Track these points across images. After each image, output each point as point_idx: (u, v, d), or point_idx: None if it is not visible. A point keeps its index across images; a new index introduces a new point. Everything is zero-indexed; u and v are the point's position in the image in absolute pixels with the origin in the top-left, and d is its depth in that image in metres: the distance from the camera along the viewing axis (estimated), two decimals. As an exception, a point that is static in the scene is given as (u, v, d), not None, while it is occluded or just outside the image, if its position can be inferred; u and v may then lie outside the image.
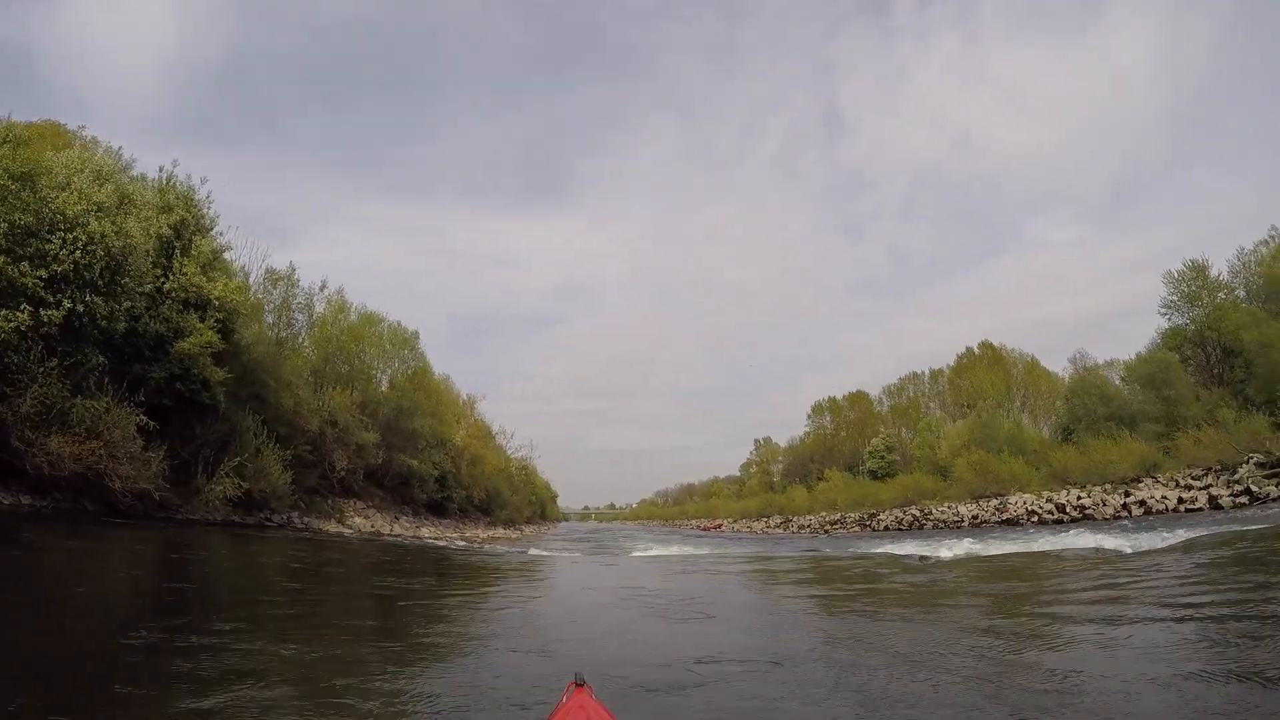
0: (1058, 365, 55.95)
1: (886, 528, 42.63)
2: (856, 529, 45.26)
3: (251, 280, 33.13)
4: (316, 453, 33.51)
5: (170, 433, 22.99)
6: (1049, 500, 34.21)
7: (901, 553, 19.98)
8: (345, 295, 40.30)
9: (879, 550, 21.47)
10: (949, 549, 18.61)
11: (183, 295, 21.41)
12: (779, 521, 64.11)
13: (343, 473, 33.98)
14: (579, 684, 2.68)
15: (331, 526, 32.19)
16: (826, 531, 48.14)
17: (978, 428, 48.81)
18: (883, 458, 62.09)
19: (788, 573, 15.95)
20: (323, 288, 37.97)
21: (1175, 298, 41.06)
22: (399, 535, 32.29)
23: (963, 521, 36.89)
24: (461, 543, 28.86)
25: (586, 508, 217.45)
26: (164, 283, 20.98)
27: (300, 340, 37.42)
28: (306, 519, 31.01)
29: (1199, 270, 40.16)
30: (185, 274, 21.52)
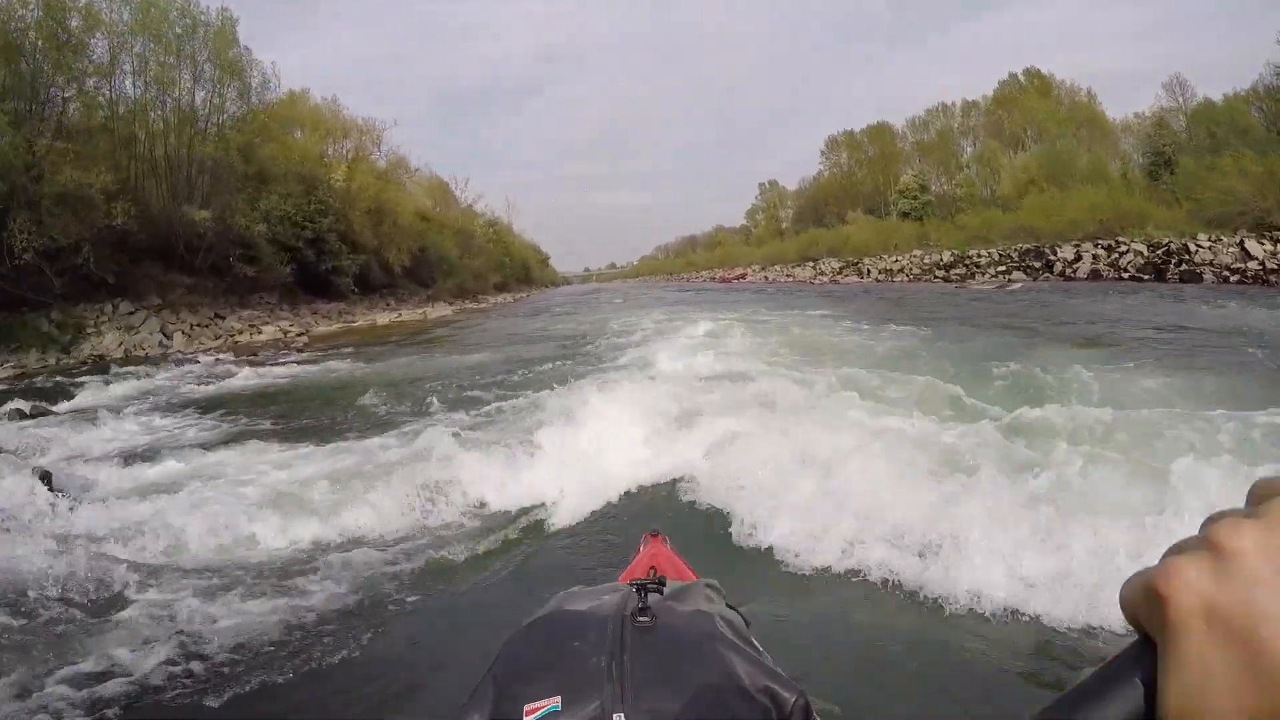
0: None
1: (1096, 274, 24.63)
2: (1019, 277, 26.78)
3: None
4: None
5: None
6: None
7: None
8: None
9: None
10: None
11: None
12: (840, 267, 46.92)
13: (25, 252, 16.30)
14: (654, 534, 2.35)
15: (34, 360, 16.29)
16: (951, 280, 30.41)
17: (1048, 159, 40.76)
18: (915, 198, 52.79)
19: None
20: None
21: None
22: (177, 352, 15.40)
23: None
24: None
25: (587, 269, 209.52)
26: None
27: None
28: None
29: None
30: None
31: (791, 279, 51.03)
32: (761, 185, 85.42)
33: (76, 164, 16.49)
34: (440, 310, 34.31)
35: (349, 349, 15.83)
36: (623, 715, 0.73)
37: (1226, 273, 19.89)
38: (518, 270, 66.90)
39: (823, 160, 68.57)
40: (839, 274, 45.81)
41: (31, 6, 17.33)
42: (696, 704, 0.76)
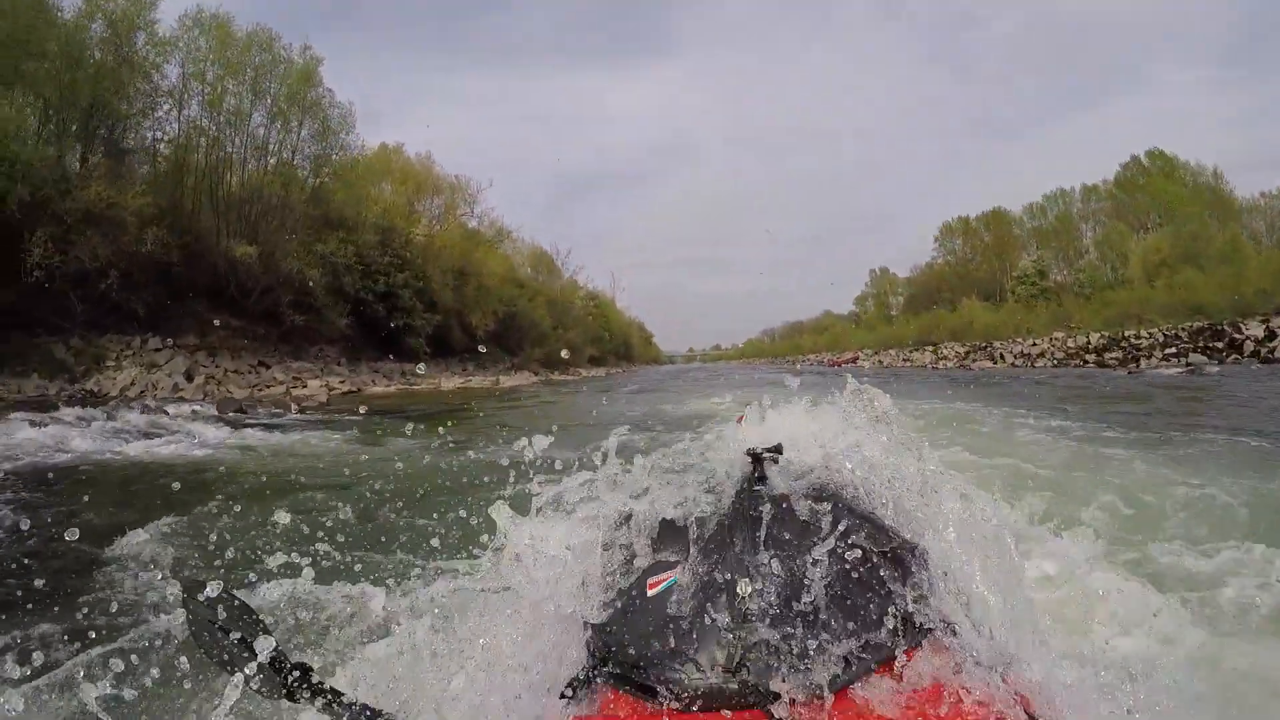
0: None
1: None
2: (1200, 360, 20.75)
3: None
4: None
5: None
6: None
7: None
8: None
9: None
10: None
11: None
12: (965, 351, 42.15)
13: (36, 269, 15.60)
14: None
15: (30, 387, 15.34)
16: (1107, 365, 25.05)
17: (1182, 239, 38.50)
18: (1034, 283, 50.86)
19: None
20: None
21: None
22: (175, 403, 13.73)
23: None
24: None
25: (691, 350, 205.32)
26: None
27: None
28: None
29: None
30: None
31: (909, 364, 46.32)
32: (872, 272, 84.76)
33: (110, 182, 15.80)
34: (519, 379, 32.39)
35: (360, 417, 11.98)
36: (746, 581, 0.70)
37: None
38: (618, 345, 65.50)
39: (936, 247, 68.53)
40: (965, 358, 40.98)
41: (98, 21, 17.26)
42: (821, 567, 0.71)
